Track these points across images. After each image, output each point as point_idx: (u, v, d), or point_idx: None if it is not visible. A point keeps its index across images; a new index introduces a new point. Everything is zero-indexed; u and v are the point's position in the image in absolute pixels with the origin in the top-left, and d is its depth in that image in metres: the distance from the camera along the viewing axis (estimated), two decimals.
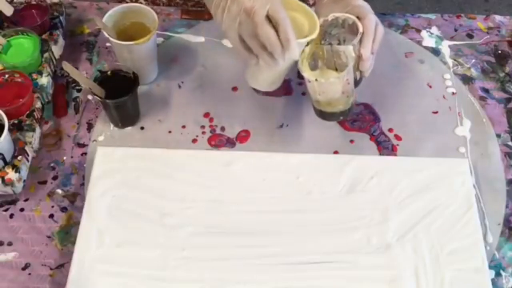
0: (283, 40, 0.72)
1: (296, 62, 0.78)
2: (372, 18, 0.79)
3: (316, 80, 0.77)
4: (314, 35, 0.77)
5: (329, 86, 0.78)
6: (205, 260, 0.75)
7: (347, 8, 0.81)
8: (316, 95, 0.80)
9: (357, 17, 0.79)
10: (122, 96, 0.83)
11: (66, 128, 0.89)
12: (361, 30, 0.78)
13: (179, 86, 0.94)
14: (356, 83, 0.82)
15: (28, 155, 0.83)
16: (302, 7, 0.80)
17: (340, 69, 0.80)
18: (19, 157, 0.81)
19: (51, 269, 0.77)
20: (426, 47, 1.00)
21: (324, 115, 0.83)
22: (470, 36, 1.02)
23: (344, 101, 0.80)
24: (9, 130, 0.79)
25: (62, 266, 0.77)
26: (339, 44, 0.82)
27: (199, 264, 0.75)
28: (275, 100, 0.93)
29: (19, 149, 0.82)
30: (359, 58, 0.79)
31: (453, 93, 0.94)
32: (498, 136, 0.90)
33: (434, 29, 1.03)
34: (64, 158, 0.86)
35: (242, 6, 0.72)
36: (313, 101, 0.82)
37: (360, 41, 0.78)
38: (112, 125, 0.89)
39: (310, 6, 1.07)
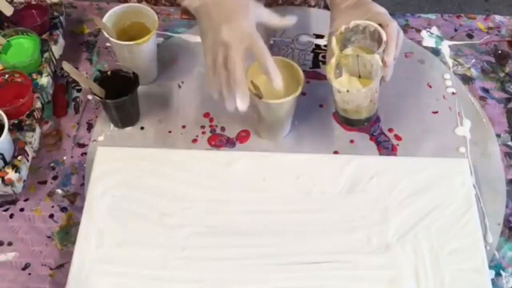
0: (232, 84, 0.74)
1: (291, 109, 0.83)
2: (394, 26, 0.78)
3: (347, 91, 0.77)
4: (298, 92, 0.79)
5: (359, 96, 0.78)
6: (205, 260, 0.75)
7: (367, 15, 0.80)
8: (344, 104, 0.80)
9: (379, 25, 0.79)
10: (122, 96, 0.83)
11: (66, 128, 0.89)
12: (385, 38, 0.78)
13: (179, 86, 0.94)
14: None
15: (28, 155, 0.83)
16: (287, 62, 0.82)
17: (363, 76, 0.80)
18: (19, 157, 0.81)
19: (51, 269, 0.77)
20: (426, 47, 1.00)
21: (350, 122, 0.83)
22: (470, 36, 1.02)
23: (371, 108, 0.81)
24: (9, 130, 0.79)
25: (62, 266, 0.77)
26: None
27: (199, 264, 0.75)
28: None
29: (19, 149, 0.82)
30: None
31: (453, 93, 0.94)
32: (498, 136, 0.90)
33: (434, 29, 1.03)
34: (64, 158, 0.86)
35: (221, 40, 0.73)
36: (340, 109, 0.82)
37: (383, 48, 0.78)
38: (112, 125, 0.89)
39: (311, 6, 1.07)
